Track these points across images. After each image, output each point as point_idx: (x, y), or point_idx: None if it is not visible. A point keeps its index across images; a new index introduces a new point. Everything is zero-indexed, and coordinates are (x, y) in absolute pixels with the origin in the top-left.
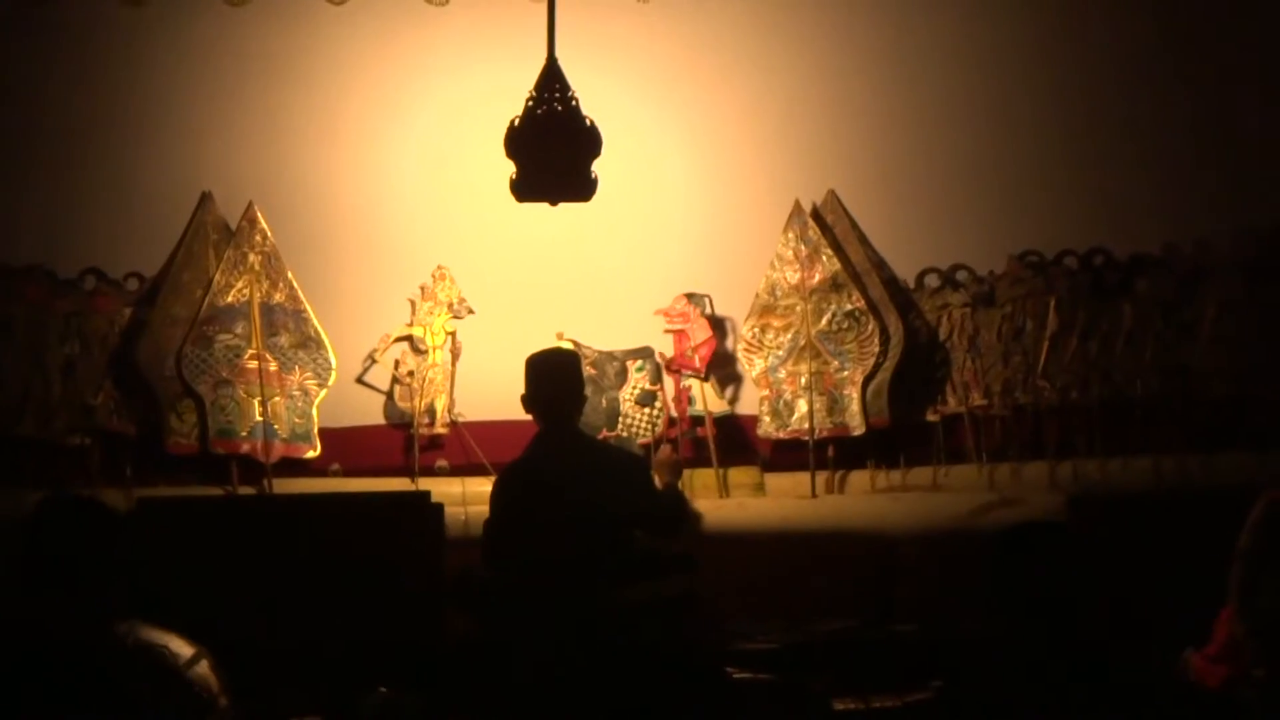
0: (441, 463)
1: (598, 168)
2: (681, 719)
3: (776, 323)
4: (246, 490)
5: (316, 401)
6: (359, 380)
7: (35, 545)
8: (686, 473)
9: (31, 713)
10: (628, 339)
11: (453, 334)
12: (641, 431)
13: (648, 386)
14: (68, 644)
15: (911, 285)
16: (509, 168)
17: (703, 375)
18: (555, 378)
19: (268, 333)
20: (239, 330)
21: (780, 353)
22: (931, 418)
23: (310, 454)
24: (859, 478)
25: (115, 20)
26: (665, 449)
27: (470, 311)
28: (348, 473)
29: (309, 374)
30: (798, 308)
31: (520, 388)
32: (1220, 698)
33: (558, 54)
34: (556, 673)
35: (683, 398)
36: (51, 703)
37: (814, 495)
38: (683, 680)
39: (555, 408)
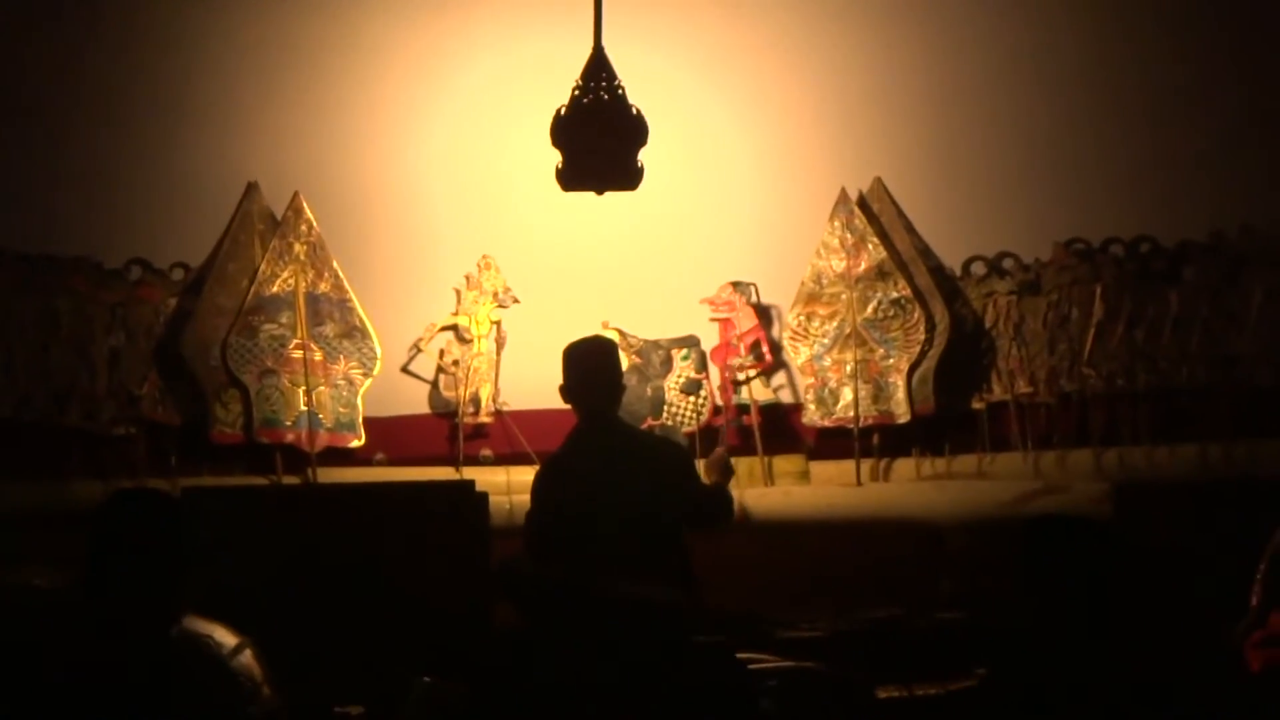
0: (486, 452)
1: (644, 156)
2: (698, 709)
3: (822, 311)
4: (291, 480)
5: (361, 391)
6: (404, 369)
7: (105, 539)
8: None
9: (77, 704)
10: (673, 328)
11: (498, 323)
12: (687, 420)
13: (693, 375)
14: (132, 639)
15: (957, 273)
16: (555, 157)
17: (769, 364)
18: (591, 367)
19: (313, 322)
20: (284, 320)
21: (825, 341)
22: (977, 405)
23: (355, 443)
24: (904, 465)
25: (161, 9)
26: (719, 450)
27: (515, 301)
28: (392, 462)
29: (354, 363)
30: (843, 296)
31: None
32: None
33: (604, 40)
34: (594, 666)
35: (728, 386)
36: (97, 694)
37: (859, 483)
38: (693, 674)
39: (592, 397)
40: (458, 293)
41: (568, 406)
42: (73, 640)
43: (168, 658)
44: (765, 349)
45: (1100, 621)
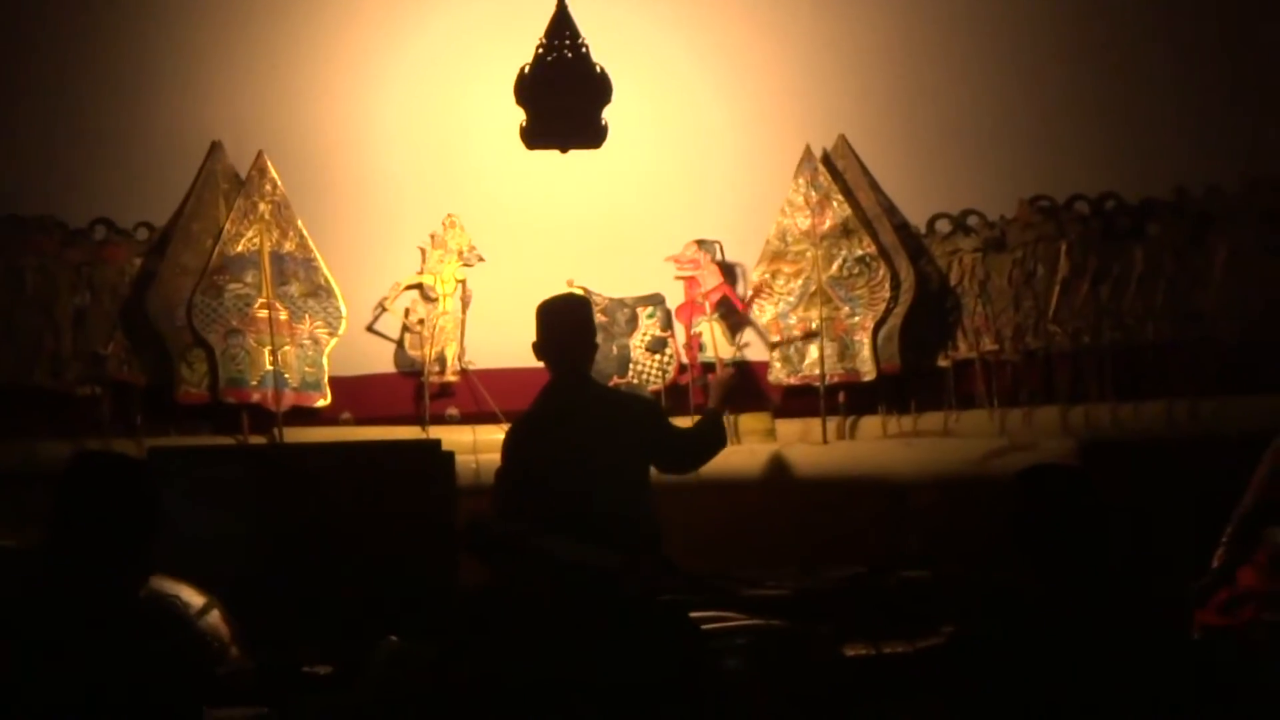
0: (452, 411)
1: (608, 115)
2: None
3: (787, 269)
4: (257, 439)
5: (327, 350)
6: (369, 329)
7: (69, 500)
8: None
9: (43, 664)
10: (638, 286)
11: (463, 282)
12: (652, 378)
13: (658, 333)
14: (97, 601)
15: (922, 230)
16: (519, 115)
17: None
18: (566, 324)
19: (278, 281)
20: (249, 279)
21: (791, 299)
22: (943, 363)
23: (321, 403)
24: (870, 423)
25: None
26: (727, 370)
27: (480, 259)
28: (358, 421)
29: (319, 323)
30: (808, 254)
31: (531, 335)
32: (1232, 637)
33: None
34: (558, 624)
35: (693, 344)
36: (63, 654)
37: (825, 441)
38: (650, 632)
39: (566, 354)
40: (423, 251)
41: (534, 365)
42: (37, 601)
43: (135, 618)
44: (736, 303)
45: (1081, 575)
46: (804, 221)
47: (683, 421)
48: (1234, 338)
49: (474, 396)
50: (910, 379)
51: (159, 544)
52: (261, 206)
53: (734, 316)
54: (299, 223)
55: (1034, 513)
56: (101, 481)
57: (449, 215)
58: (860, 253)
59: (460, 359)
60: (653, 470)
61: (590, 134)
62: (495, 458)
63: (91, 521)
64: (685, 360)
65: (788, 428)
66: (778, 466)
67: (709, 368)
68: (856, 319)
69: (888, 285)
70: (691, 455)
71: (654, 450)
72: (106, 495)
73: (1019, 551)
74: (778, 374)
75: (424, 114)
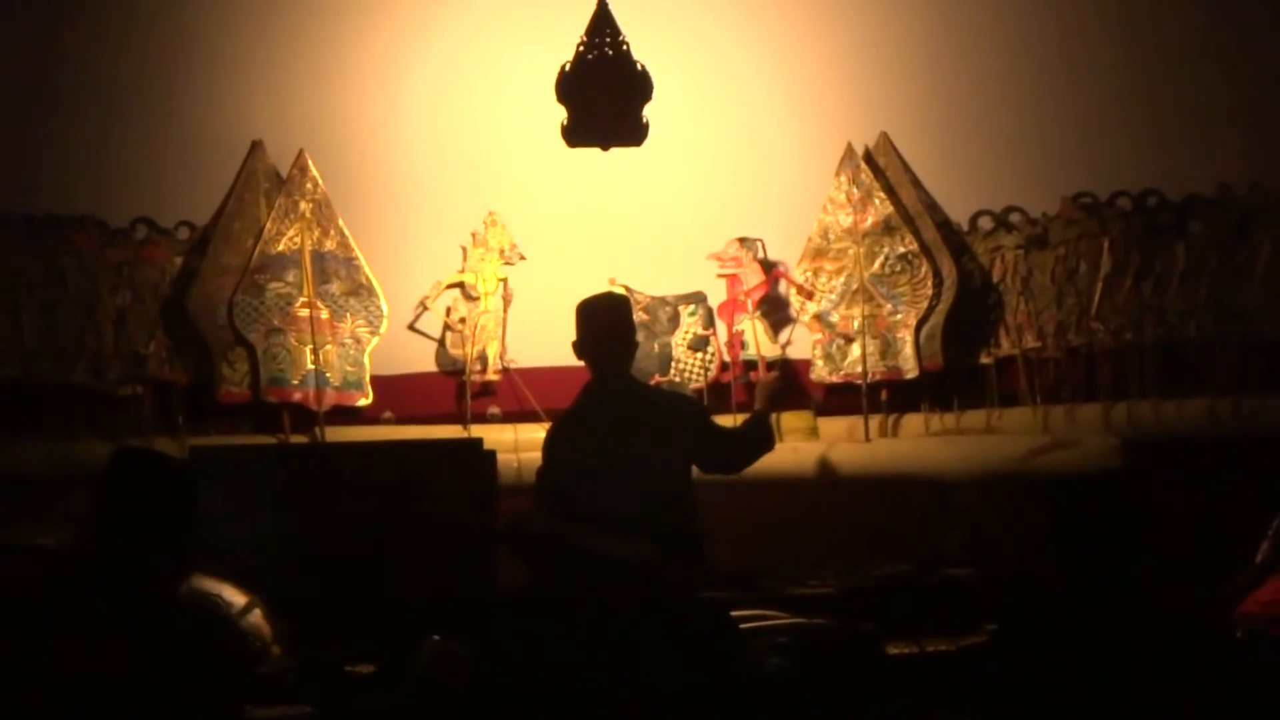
0: (494, 409)
1: (649, 113)
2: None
3: (829, 266)
4: (298, 439)
5: (368, 349)
6: (411, 327)
7: (109, 498)
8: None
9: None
10: (680, 284)
11: (504, 280)
12: (694, 376)
13: (700, 331)
14: (138, 598)
15: (965, 228)
16: (561, 113)
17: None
18: (606, 323)
19: (319, 280)
20: (290, 278)
21: (833, 296)
22: (985, 360)
23: (362, 402)
24: (912, 421)
25: None
26: (771, 374)
27: (522, 258)
28: (400, 420)
29: (360, 321)
30: (850, 251)
31: (572, 334)
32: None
33: None
34: (598, 623)
35: (735, 342)
36: (106, 652)
37: (867, 439)
38: (691, 632)
39: (606, 353)
40: (464, 250)
41: (576, 363)
42: (80, 599)
43: (177, 616)
44: (791, 283)
45: (1122, 576)
46: (846, 219)
47: (725, 420)
48: (1277, 335)
49: (516, 395)
50: (953, 376)
51: (201, 543)
52: (302, 205)
53: (777, 314)
54: (340, 221)
55: (1075, 522)
56: (141, 478)
57: (490, 213)
58: (902, 250)
59: (502, 357)
60: (695, 470)
61: (631, 132)
62: (537, 456)
63: (132, 518)
64: (727, 358)
65: (830, 426)
66: (821, 465)
67: (751, 366)
68: (899, 316)
69: (930, 283)
70: (736, 456)
71: (696, 449)
72: (146, 492)
73: (1060, 555)
74: (820, 372)
75: (465, 112)
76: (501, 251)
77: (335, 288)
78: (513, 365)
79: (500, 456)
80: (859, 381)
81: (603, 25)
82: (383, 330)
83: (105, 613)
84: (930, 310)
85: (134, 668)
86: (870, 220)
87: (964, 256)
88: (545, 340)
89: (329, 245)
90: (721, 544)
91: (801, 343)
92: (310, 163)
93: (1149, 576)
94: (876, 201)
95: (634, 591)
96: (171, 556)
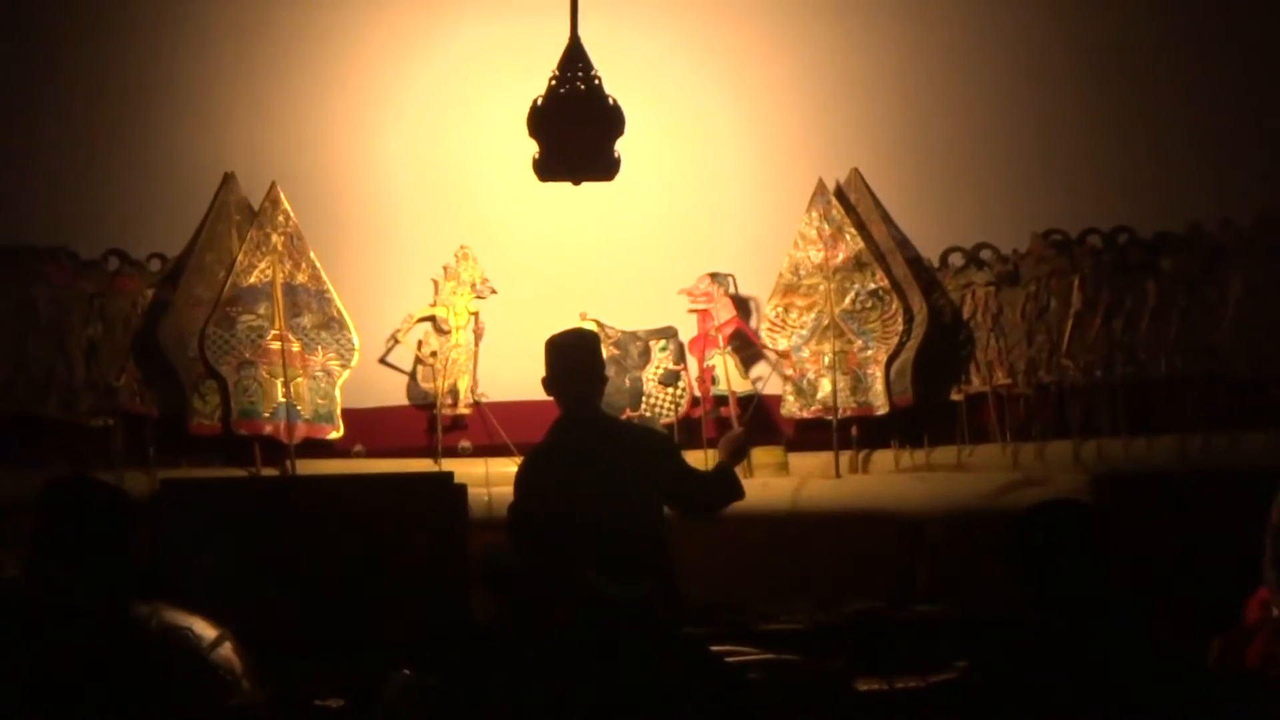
0: (465, 443)
1: (621, 147)
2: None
3: (800, 302)
4: (269, 471)
5: (339, 382)
6: (382, 361)
7: (44, 527)
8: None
9: (52, 697)
10: (651, 319)
11: (476, 314)
12: (665, 411)
13: (671, 366)
14: (81, 627)
15: (935, 264)
16: (532, 147)
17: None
18: (574, 358)
19: (290, 313)
20: (262, 311)
21: (804, 332)
22: (955, 397)
23: (333, 435)
24: (883, 457)
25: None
26: (737, 430)
27: (493, 291)
28: (370, 454)
29: (332, 354)
30: (821, 287)
31: (542, 368)
32: (1255, 679)
33: (581, 29)
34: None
35: (706, 377)
36: (73, 687)
37: (838, 475)
38: (673, 668)
39: (575, 389)
40: (435, 283)
41: (547, 398)
42: (34, 631)
43: (137, 648)
44: (750, 336)
45: (1090, 611)
46: (817, 255)
47: (696, 457)
48: (1247, 372)
49: (487, 429)
50: (923, 413)
51: (170, 575)
52: (274, 238)
53: (747, 350)
54: (311, 254)
55: (1034, 549)
56: (70, 508)
57: (462, 247)
58: (873, 286)
59: (473, 391)
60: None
61: (603, 166)
62: (508, 490)
63: (63, 548)
64: (698, 394)
65: (801, 461)
66: (792, 500)
67: (722, 401)
68: (869, 352)
69: (900, 319)
70: (704, 497)
71: (665, 486)
72: (76, 521)
73: (1021, 586)
74: (790, 407)
75: (437, 146)
76: (473, 285)
77: (307, 320)
78: (484, 399)
79: (471, 490)
80: (829, 417)
81: (575, 60)
82: (354, 363)
83: (54, 646)
84: (901, 346)
85: (102, 703)
86: (841, 256)
87: (935, 293)
88: (516, 374)
89: (300, 278)
90: (693, 578)
91: (772, 378)
92: (282, 195)
93: (1118, 610)
94: (848, 237)
95: (610, 626)
96: (106, 585)
